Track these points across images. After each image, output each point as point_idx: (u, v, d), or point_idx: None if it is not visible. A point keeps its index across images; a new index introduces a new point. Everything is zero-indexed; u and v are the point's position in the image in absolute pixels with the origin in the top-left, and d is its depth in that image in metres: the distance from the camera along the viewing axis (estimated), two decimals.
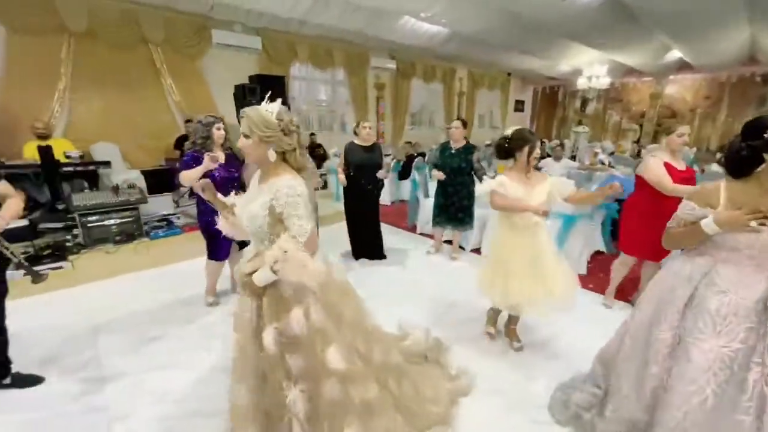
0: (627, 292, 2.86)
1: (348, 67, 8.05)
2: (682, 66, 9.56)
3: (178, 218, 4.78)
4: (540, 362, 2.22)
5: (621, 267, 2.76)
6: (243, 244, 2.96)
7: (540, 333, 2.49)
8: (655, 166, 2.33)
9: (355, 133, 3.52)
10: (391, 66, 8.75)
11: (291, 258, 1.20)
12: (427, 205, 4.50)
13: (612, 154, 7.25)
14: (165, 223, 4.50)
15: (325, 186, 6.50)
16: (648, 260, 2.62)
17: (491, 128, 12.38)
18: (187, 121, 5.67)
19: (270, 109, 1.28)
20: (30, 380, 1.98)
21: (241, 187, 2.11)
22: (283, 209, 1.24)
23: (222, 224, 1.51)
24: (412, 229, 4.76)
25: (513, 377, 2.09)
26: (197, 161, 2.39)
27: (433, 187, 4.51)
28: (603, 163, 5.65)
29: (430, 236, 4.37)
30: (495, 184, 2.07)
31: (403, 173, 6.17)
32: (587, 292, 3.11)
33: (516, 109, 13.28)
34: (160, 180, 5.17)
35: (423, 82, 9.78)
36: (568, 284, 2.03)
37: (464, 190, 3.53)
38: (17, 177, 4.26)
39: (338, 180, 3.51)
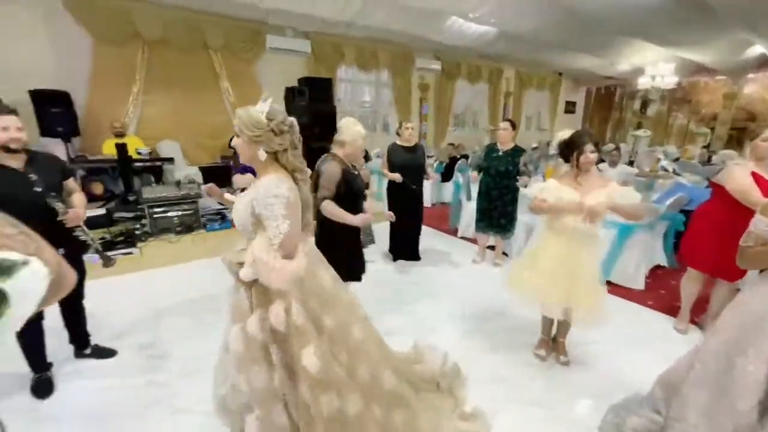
0: (693, 312, 2.62)
1: (392, 68, 8.11)
2: (765, 62, 8.53)
3: (231, 212, 5.09)
4: (588, 380, 2.10)
5: (690, 284, 2.51)
6: None
7: (589, 350, 2.35)
8: (740, 176, 2.06)
9: (398, 134, 3.55)
10: (435, 67, 8.68)
11: (259, 264, 1.21)
12: (469, 209, 4.42)
13: (677, 160, 6.64)
14: (219, 216, 4.81)
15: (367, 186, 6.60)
16: (720, 279, 2.37)
17: (538, 130, 11.86)
18: None
19: (261, 109, 1.27)
20: (105, 352, 2.22)
21: None
22: (261, 210, 1.24)
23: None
24: (453, 232, 4.70)
25: (558, 394, 2.00)
26: None
27: (475, 189, 4.43)
28: (666, 170, 5.19)
29: (472, 240, 4.28)
30: (537, 190, 2.04)
31: (446, 175, 6.11)
32: (644, 309, 2.90)
33: (566, 111, 12.61)
34: (216, 176, 5.54)
35: (468, 82, 9.59)
36: (591, 302, 1.94)
37: (509, 194, 3.43)
38: (98, 171, 4.79)
39: (381, 180, 3.56)
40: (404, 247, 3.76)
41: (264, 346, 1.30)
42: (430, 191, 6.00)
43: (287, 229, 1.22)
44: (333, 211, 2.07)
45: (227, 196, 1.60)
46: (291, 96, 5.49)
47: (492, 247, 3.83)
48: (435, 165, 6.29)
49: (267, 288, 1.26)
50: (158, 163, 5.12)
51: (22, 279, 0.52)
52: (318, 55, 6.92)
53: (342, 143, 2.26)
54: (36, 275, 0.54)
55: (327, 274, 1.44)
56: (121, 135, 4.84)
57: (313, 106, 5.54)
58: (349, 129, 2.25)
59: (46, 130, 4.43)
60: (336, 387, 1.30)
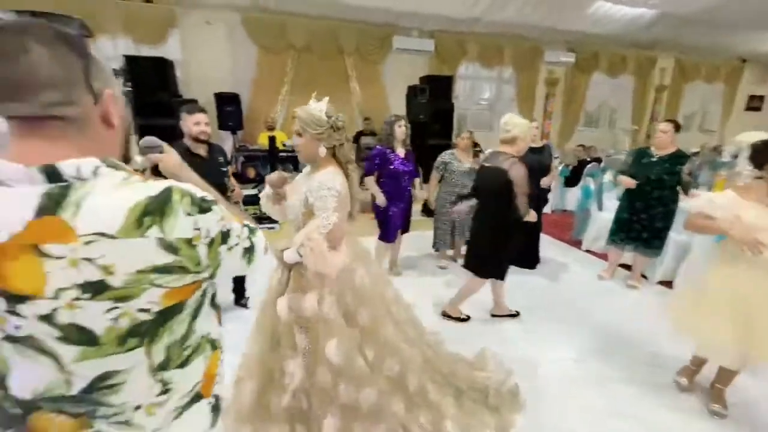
0: None
1: (517, 63, 7.62)
2: None
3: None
4: None
5: None
6: (405, 230, 3.26)
7: (760, 404, 1.86)
8: None
9: None
10: (567, 59, 7.79)
11: (314, 247, 1.27)
12: (599, 219, 3.90)
13: None
14: None
15: None
16: None
17: (701, 132, 9.61)
18: (365, 119, 6.55)
19: (320, 107, 1.35)
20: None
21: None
22: (313, 200, 1.33)
23: (266, 205, 1.60)
24: (576, 243, 4.22)
25: None
26: (381, 156, 2.77)
27: (610, 198, 3.91)
28: None
29: (599, 255, 3.79)
30: (704, 201, 1.70)
31: (571, 180, 5.50)
32: None
33: (749, 108, 9.87)
34: None
35: (607, 75, 8.35)
36: None
37: (659, 207, 2.89)
38: (253, 158, 5.84)
39: None
40: (518, 253, 3.55)
41: (280, 328, 1.38)
42: (551, 197, 5.49)
43: (335, 220, 1.33)
44: (534, 213, 2.39)
45: (281, 190, 1.56)
46: (413, 94, 5.70)
47: (626, 266, 3.31)
48: (560, 168, 5.72)
49: (303, 275, 1.37)
50: (296, 154, 5.96)
51: (257, 239, 0.69)
52: (440, 53, 6.96)
53: (513, 140, 2.23)
54: (261, 239, 0.71)
55: (367, 272, 1.48)
56: (271, 128, 5.80)
57: (433, 104, 5.64)
58: (517, 124, 2.22)
59: (222, 125, 5.61)
60: (357, 380, 1.34)
